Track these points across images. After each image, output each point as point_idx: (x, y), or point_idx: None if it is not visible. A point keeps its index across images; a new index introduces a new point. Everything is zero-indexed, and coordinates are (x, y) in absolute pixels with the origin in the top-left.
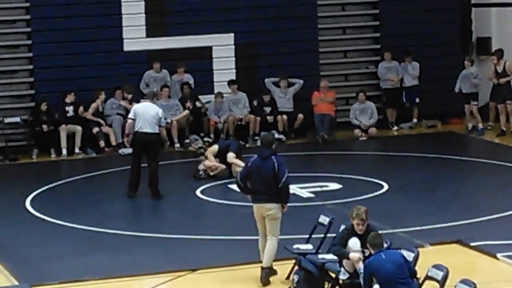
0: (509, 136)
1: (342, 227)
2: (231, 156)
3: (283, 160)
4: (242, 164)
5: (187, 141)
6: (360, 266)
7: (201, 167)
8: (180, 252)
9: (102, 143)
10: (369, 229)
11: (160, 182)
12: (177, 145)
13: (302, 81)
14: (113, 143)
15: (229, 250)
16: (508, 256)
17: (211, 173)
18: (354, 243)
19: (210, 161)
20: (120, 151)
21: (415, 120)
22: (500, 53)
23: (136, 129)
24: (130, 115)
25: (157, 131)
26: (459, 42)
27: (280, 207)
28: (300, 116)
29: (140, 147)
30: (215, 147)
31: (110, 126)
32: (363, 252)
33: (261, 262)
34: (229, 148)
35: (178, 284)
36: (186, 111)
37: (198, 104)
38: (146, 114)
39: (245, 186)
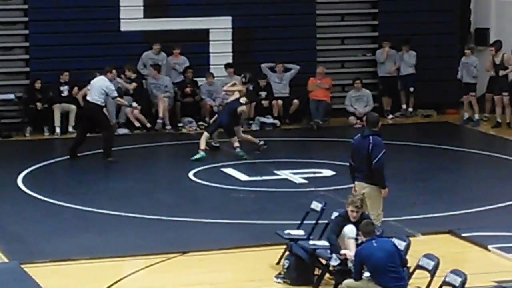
0: (504, 128)
1: (335, 213)
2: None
3: (380, 143)
4: (234, 89)
5: (180, 124)
6: (352, 254)
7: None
8: (171, 234)
9: None
10: (363, 217)
11: (152, 164)
12: (168, 127)
13: (298, 67)
14: None
15: (221, 234)
16: (499, 248)
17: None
18: (350, 230)
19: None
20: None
21: (410, 109)
22: (498, 44)
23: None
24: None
25: (98, 102)
26: (457, 32)
27: (376, 188)
28: (296, 101)
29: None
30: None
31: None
32: (356, 240)
33: (252, 246)
34: None
35: (168, 266)
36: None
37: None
38: (94, 85)
39: (351, 164)
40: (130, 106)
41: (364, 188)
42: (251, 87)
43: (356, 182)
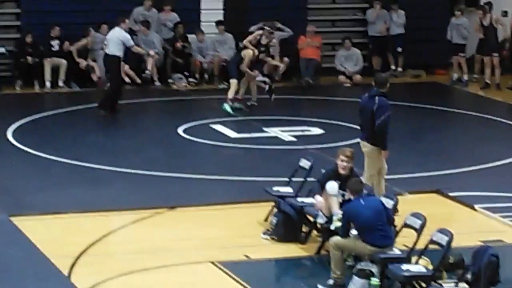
0: (493, 89)
1: (322, 171)
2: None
3: (386, 104)
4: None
5: (170, 80)
6: (336, 211)
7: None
8: (160, 189)
9: (94, 76)
10: (353, 174)
11: (142, 120)
12: (157, 83)
13: (291, 33)
14: (95, 79)
15: (209, 190)
16: (485, 208)
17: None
18: (331, 187)
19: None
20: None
21: (399, 69)
22: (488, 6)
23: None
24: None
25: (117, 54)
26: None
27: (376, 149)
28: (286, 59)
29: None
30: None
31: (95, 61)
32: (343, 196)
33: (241, 202)
34: None
35: (156, 221)
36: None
37: (186, 45)
38: (111, 38)
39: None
40: (148, 54)
41: (365, 147)
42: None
43: (360, 141)
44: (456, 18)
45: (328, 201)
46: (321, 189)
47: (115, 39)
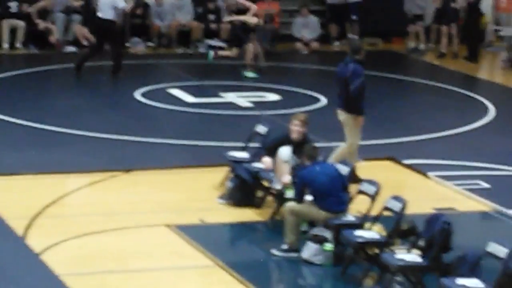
0: (449, 58)
1: (258, 126)
2: None
3: (360, 70)
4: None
5: (128, 44)
6: (286, 178)
7: None
8: (115, 152)
9: (52, 38)
10: (306, 140)
11: (99, 84)
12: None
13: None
14: (53, 41)
15: (165, 154)
16: (438, 176)
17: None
18: (284, 153)
19: None
20: (64, 49)
21: (350, 36)
22: None
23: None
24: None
25: (110, 18)
26: None
27: (352, 116)
28: None
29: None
30: None
31: (54, 23)
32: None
33: (196, 167)
34: None
35: (112, 184)
36: None
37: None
38: (103, 1)
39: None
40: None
41: (341, 116)
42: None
43: (337, 110)
44: None
45: (279, 167)
46: (268, 153)
47: (108, 3)
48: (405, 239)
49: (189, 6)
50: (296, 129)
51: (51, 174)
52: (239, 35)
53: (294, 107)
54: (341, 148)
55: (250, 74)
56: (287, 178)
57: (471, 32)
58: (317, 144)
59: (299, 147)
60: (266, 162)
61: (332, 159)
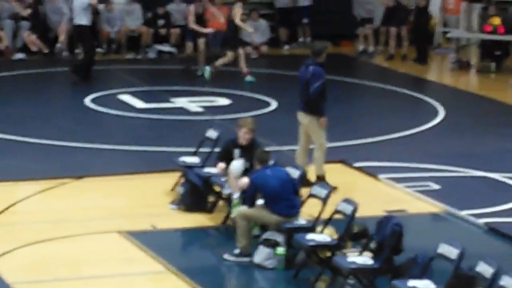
0: (398, 61)
1: (209, 130)
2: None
3: (319, 72)
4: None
5: (77, 50)
6: (236, 194)
7: None
8: (66, 159)
9: (1, 46)
10: (254, 143)
11: (49, 89)
12: (65, 53)
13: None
14: (2, 48)
15: (116, 160)
16: (389, 178)
17: None
18: (235, 167)
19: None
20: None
21: (308, 39)
22: None
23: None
24: None
25: (81, 23)
26: None
27: (315, 118)
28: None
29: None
30: None
31: (2, 29)
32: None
33: (147, 172)
34: None
35: (63, 191)
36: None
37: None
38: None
39: None
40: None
41: (304, 119)
42: (149, 15)
43: (298, 112)
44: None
45: (232, 181)
46: (221, 160)
47: (78, 7)
48: (357, 242)
49: (138, 11)
50: (243, 135)
51: (1, 182)
52: (232, 39)
53: (244, 111)
54: (315, 154)
55: (249, 78)
56: (244, 181)
57: (420, 34)
58: (268, 148)
59: (248, 151)
60: (220, 167)
61: (316, 170)
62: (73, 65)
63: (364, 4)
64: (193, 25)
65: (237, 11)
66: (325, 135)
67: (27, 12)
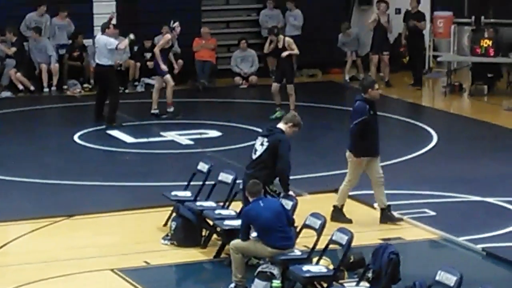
0: (383, 87)
1: (222, 174)
2: None
3: (360, 109)
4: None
5: (65, 86)
6: None
7: None
8: (57, 197)
9: None
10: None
11: (37, 127)
12: (53, 88)
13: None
14: None
15: (107, 196)
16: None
17: None
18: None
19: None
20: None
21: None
22: (382, 4)
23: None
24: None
25: (109, 63)
26: None
27: (351, 155)
28: (180, 62)
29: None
30: None
31: None
32: None
33: (139, 208)
34: None
35: (54, 230)
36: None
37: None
38: (98, 46)
39: None
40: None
41: (347, 153)
42: (136, 49)
43: None
44: (344, 36)
45: None
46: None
47: (102, 48)
48: (353, 272)
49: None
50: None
51: None
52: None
53: (235, 143)
54: (342, 186)
55: (278, 114)
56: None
57: (415, 58)
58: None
59: None
60: None
61: (337, 199)
62: (106, 117)
63: (350, 43)
64: (159, 57)
65: (164, 39)
66: (359, 175)
67: (12, 50)
